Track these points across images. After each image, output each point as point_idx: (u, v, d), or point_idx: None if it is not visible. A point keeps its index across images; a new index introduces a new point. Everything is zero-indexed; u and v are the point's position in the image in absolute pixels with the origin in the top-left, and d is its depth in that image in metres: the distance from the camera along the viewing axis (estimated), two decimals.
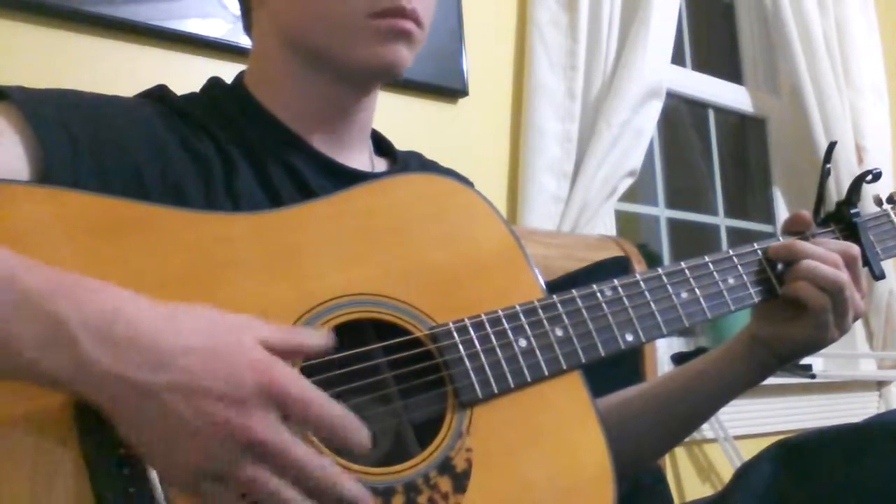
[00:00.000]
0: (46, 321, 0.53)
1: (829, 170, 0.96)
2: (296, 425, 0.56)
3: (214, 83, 0.89)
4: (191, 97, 0.87)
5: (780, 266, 0.88)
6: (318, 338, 0.61)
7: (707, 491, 2.01)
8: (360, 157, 0.90)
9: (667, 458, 1.91)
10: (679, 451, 2.01)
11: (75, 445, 0.56)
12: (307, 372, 0.65)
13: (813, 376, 2.05)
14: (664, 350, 2.02)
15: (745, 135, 2.61)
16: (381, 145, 0.96)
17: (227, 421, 0.53)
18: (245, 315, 0.59)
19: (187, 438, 0.53)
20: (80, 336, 0.53)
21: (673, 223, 2.34)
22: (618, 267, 1.44)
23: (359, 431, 0.57)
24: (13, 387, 0.55)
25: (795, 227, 0.92)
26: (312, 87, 0.85)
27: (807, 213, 0.92)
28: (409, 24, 0.80)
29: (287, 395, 0.55)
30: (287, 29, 0.84)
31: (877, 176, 0.96)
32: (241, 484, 0.54)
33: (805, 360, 2.05)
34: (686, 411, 0.95)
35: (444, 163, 1.02)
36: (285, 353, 0.58)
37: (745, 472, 0.84)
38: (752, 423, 2.04)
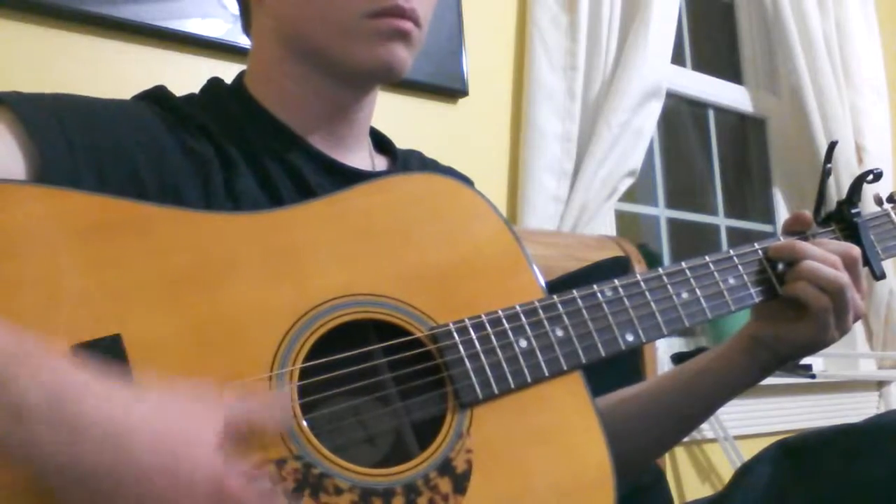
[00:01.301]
0: (3, 388, 0.51)
1: (829, 169, 0.96)
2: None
3: (214, 83, 0.89)
4: (190, 98, 0.87)
5: (780, 266, 0.88)
6: (279, 412, 0.59)
7: (707, 491, 2.01)
8: (360, 156, 0.90)
9: (667, 458, 1.91)
10: (679, 451, 2.01)
11: None
12: (308, 374, 0.66)
13: (813, 376, 2.05)
14: (664, 350, 2.02)
15: (745, 135, 2.61)
16: (381, 143, 0.96)
17: None
18: (205, 395, 0.56)
19: None
20: (33, 413, 0.50)
21: (673, 223, 2.34)
22: (618, 267, 1.44)
23: None
24: None
25: (796, 227, 0.92)
26: (311, 87, 0.85)
27: (807, 213, 0.92)
28: (407, 24, 0.80)
29: None
30: (285, 28, 0.83)
31: (878, 176, 0.95)
32: None
33: (805, 360, 2.06)
34: (685, 411, 0.95)
35: (444, 163, 1.02)
36: (250, 433, 0.57)
37: (745, 472, 0.84)
38: (752, 423, 2.04)
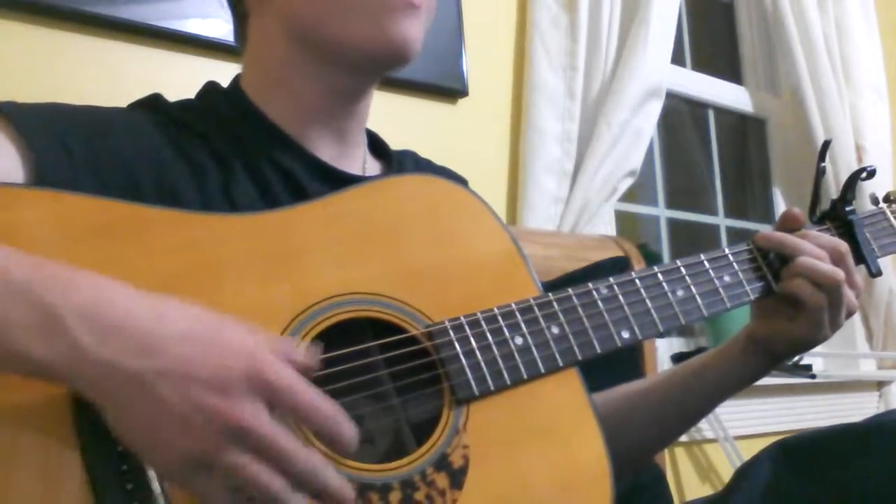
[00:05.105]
0: (39, 310, 0.54)
1: (823, 168, 0.96)
2: (283, 415, 0.56)
3: (210, 88, 0.89)
4: (185, 104, 0.87)
5: (776, 264, 0.89)
6: (305, 354, 0.60)
7: (707, 491, 2.01)
8: (357, 153, 0.91)
9: (667, 457, 1.91)
10: (679, 451, 2.01)
11: (73, 442, 0.56)
12: None
13: (813, 376, 2.05)
14: (664, 350, 2.02)
15: (745, 135, 2.61)
16: (377, 145, 0.96)
17: (213, 407, 0.53)
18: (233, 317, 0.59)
19: (174, 425, 0.54)
20: (71, 324, 0.53)
21: (673, 223, 2.34)
22: (617, 267, 1.44)
23: (347, 426, 0.57)
24: (6, 381, 0.55)
25: (789, 225, 0.92)
26: (317, 80, 0.84)
27: (799, 211, 0.92)
28: None
29: (275, 385, 0.55)
30: (293, 22, 0.83)
31: (871, 173, 0.96)
32: (226, 471, 0.54)
33: (805, 360, 2.06)
34: (682, 408, 0.96)
35: (444, 163, 1.03)
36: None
37: (745, 472, 0.84)
38: (752, 423, 2.04)
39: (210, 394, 0.54)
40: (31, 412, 0.56)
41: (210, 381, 0.54)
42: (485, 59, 1.76)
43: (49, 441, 0.56)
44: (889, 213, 0.98)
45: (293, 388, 0.56)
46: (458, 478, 0.67)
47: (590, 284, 0.79)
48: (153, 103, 0.85)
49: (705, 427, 1.95)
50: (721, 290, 0.86)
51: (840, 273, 0.86)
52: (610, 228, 1.90)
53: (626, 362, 1.39)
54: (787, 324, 0.88)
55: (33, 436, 0.56)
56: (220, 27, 1.38)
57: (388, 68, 0.86)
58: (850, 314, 0.88)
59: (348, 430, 0.57)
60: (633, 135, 1.85)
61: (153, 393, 0.53)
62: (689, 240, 2.40)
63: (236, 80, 0.89)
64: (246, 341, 0.57)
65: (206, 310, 0.58)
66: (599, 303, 0.78)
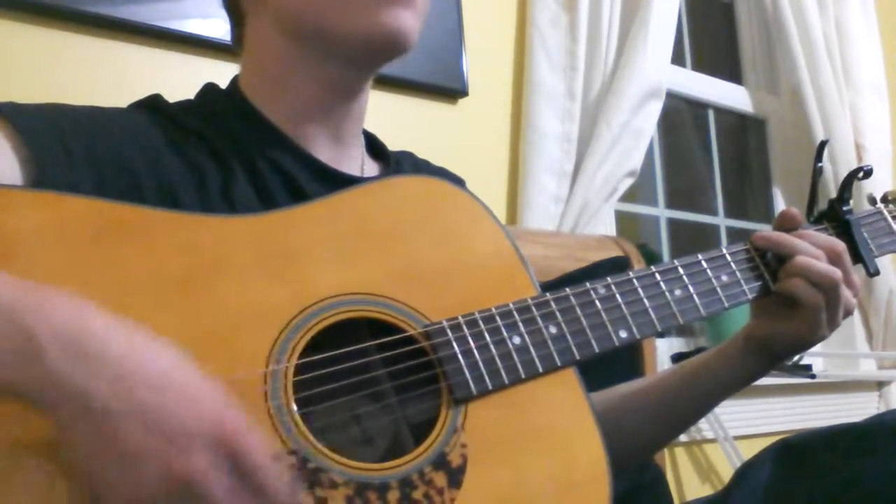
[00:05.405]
0: (17, 333, 0.52)
1: (821, 168, 0.97)
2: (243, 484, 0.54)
3: (209, 89, 0.90)
4: (185, 104, 0.87)
5: (773, 263, 0.89)
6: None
7: (707, 491, 2.01)
8: (355, 154, 0.91)
9: (667, 457, 1.92)
10: (679, 451, 2.01)
11: None
12: (303, 371, 0.66)
13: (813, 376, 2.05)
14: (664, 350, 2.02)
15: (745, 135, 2.61)
16: (374, 147, 0.96)
17: (170, 459, 0.52)
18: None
19: (130, 468, 0.52)
20: (48, 349, 0.52)
21: (673, 223, 2.34)
22: (617, 267, 1.44)
23: None
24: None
25: (786, 225, 0.92)
26: (315, 77, 0.85)
27: (796, 210, 0.92)
28: None
29: (239, 454, 0.54)
30: (288, 18, 0.83)
31: (868, 173, 0.96)
32: None
33: (805, 360, 2.06)
34: (682, 408, 0.96)
35: (444, 163, 1.03)
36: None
37: (745, 472, 0.84)
38: (752, 423, 2.04)
39: (172, 445, 0.52)
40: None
41: (176, 432, 0.52)
42: (485, 59, 1.77)
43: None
44: (886, 213, 0.98)
45: (259, 465, 0.54)
46: (456, 477, 0.67)
47: (587, 284, 0.79)
48: (153, 104, 0.85)
49: (705, 427, 1.95)
50: (719, 289, 0.86)
51: (837, 272, 0.86)
52: (610, 228, 1.90)
53: (626, 362, 1.40)
54: (785, 323, 0.88)
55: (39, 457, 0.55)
56: (220, 27, 1.38)
57: (383, 59, 0.86)
58: (847, 313, 0.88)
59: None
60: (633, 135, 1.85)
61: (114, 429, 0.52)
62: (689, 240, 2.40)
63: (235, 81, 0.89)
64: (226, 404, 0.55)
65: (182, 356, 0.57)
66: (597, 302, 0.79)
